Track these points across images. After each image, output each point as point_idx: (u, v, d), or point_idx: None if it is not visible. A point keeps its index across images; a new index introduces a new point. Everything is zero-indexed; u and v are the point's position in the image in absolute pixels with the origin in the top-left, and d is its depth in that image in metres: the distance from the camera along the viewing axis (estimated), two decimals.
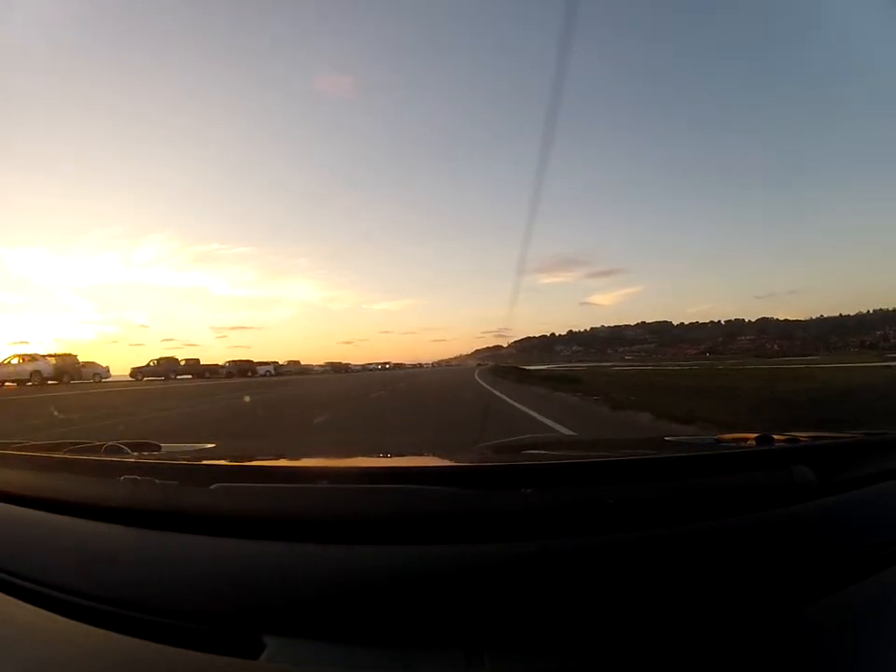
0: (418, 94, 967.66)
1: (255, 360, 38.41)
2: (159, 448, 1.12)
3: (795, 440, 0.85)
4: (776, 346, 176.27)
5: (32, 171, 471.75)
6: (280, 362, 43.39)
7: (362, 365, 78.83)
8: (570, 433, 5.21)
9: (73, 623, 0.53)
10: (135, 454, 0.96)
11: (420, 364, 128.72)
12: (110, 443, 0.96)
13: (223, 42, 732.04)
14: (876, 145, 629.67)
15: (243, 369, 35.51)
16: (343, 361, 64.18)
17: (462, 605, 0.49)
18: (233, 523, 0.61)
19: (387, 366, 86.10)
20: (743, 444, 0.93)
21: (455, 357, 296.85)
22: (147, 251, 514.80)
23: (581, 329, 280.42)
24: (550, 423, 6.23)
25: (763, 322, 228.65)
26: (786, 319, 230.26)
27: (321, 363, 56.68)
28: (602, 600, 0.49)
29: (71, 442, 1.05)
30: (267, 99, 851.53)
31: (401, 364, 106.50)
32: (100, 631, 0.51)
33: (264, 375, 36.24)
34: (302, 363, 49.36)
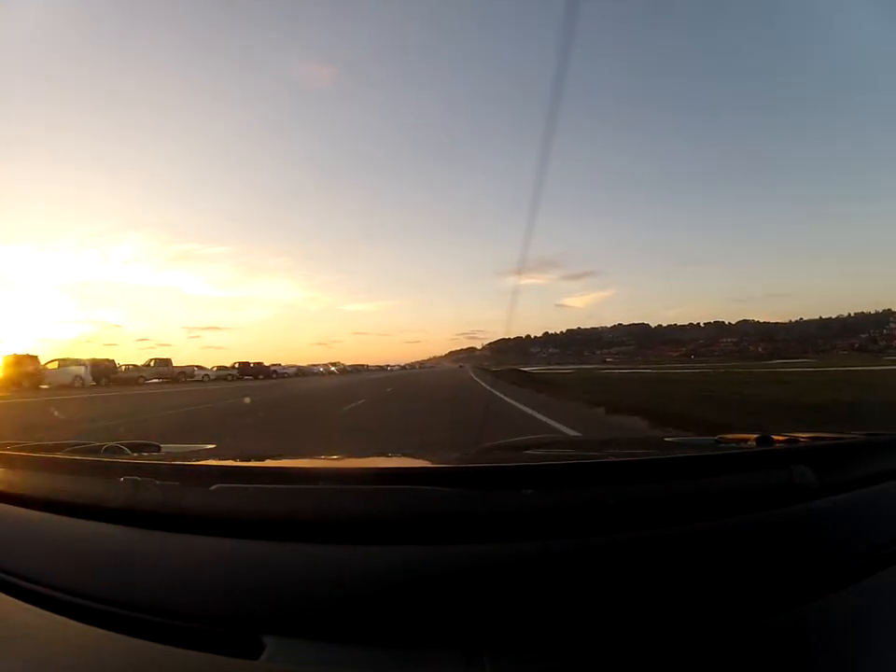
0: (396, 96, 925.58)
1: (72, 358, 23.42)
2: (159, 449, 1.13)
3: (795, 440, 0.85)
4: (760, 349, 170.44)
5: (5, 168, 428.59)
6: (119, 363, 27.63)
7: (299, 367, 50.46)
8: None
9: (73, 623, 0.52)
10: (135, 454, 0.98)
11: (388, 366, 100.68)
12: (110, 444, 0.97)
13: (202, 37, 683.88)
14: (852, 150, 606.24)
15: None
16: (267, 362, 41.54)
17: (462, 605, 0.49)
18: (233, 523, 0.61)
19: (333, 368, 57.94)
20: (743, 445, 0.93)
21: (430, 359, 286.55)
22: (125, 250, 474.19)
23: (557, 331, 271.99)
24: None
25: (744, 324, 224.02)
26: (766, 322, 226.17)
27: (230, 364, 37.73)
28: (602, 601, 0.49)
29: (71, 443, 1.06)
30: (247, 97, 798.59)
31: (362, 366, 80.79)
32: (100, 631, 0.51)
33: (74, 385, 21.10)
34: (176, 364, 32.52)
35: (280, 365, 45.61)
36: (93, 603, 0.54)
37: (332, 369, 57.94)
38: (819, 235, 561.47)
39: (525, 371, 28.22)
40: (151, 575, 0.57)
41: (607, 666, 0.45)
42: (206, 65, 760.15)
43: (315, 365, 56.73)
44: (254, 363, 39.79)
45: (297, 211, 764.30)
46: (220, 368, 37.44)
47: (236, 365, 38.10)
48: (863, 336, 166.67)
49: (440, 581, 0.51)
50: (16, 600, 0.58)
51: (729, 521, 0.58)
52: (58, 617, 0.54)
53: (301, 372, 46.99)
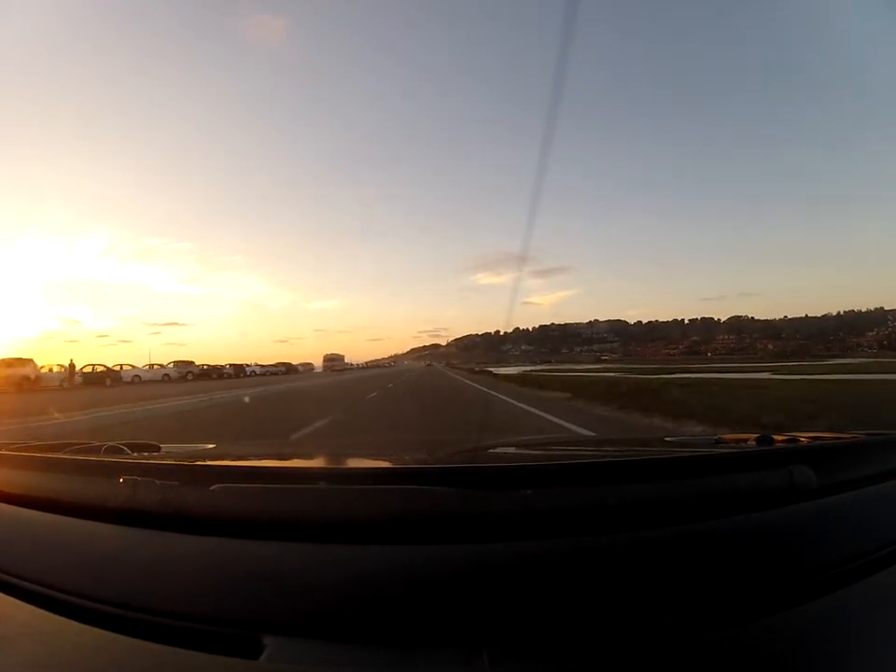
0: (356, 91, 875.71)
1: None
2: (158, 449, 1.12)
3: (795, 440, 0.85)
4: (771, 346, 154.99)
5: None
6: None
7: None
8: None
9: (73, 622, 0.53)
10: (135, 454, 0.97)
11: (302, 364, 52.67)
12: (110, 444, 0.96)
13: (163, 29, 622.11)
14: (824, 150, 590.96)
15: None
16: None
17: (462, 604, 0.49)
18: (233, 523, 0.61)
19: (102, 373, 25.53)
20: (743, 444, 0.93)
21: (388, 357, 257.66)
22: (86, 245, 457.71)
23: (529, 327, 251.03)
24: None
25: (738, 321, 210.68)
26: (761, 319, 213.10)
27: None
28: (602, 600, 0.49)
29: (71, 443, 1.05)
30: (211, 91, 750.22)
31: (230, 368, 36.34)
32: (100, 631, 0.51)
33: None
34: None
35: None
36: (93, 603, 0.54)
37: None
38: (791, 235, 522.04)
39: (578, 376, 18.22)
40: (151, 575, 0.57)
41: (607, 667, 0.45)
42: (170, 59, 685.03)
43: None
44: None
45: (260, 208, 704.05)
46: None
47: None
48: (870, 334, 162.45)
49: (439, 581, 0.51)
50: (16, 600, 0.57)
51: (729, 521, 0.58)
52: (58, 617, 0.54)
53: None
